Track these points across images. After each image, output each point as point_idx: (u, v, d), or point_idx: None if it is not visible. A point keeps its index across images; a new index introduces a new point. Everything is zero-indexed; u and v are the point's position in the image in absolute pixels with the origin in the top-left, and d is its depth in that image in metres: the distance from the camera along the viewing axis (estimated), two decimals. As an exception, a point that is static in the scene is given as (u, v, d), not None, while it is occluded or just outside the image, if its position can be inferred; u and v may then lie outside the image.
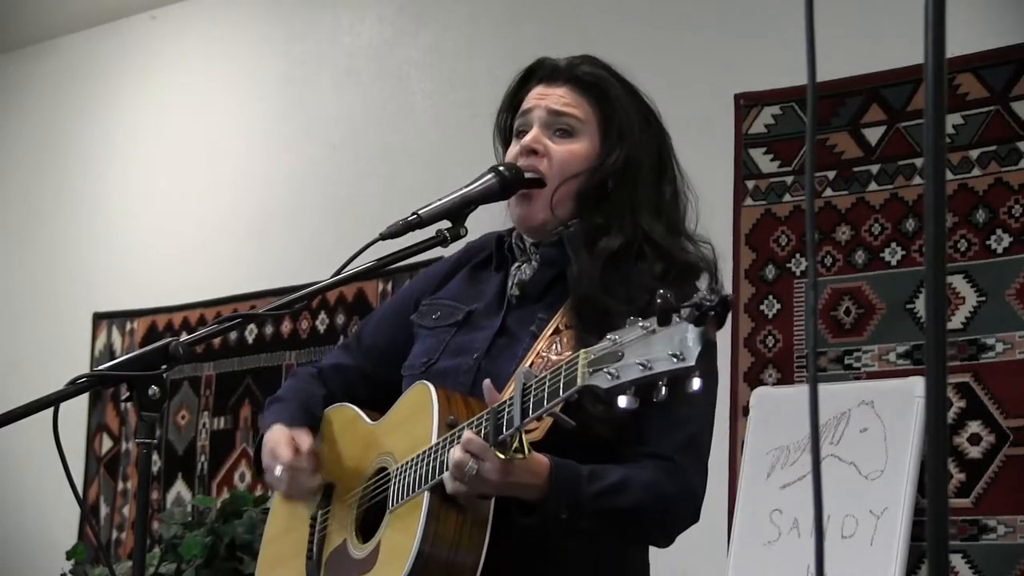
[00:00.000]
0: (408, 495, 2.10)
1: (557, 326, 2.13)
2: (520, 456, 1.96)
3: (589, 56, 2.34)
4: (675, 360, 1.70)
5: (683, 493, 2.12)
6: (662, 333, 1.72)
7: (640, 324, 1.76)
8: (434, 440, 2.08)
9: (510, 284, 2.28)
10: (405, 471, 2.13)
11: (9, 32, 6.26)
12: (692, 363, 1.69)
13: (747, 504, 3.78)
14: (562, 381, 1.85)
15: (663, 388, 1.73)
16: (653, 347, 1.73)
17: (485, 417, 1.99)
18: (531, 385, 1.91)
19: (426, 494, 2.05)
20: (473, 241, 2.41)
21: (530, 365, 2.08)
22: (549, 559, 2.12)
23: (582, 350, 1.83)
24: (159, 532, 4.51)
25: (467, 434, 1.99)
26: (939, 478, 1.31)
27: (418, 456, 2.11)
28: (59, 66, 6.23)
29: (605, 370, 1.77)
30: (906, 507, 3.48)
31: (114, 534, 5.63)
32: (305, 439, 2.29)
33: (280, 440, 2.28)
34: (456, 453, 1.98)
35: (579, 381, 1.80)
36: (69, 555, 4.79)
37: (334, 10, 5.36)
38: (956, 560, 3.57)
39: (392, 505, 2.15)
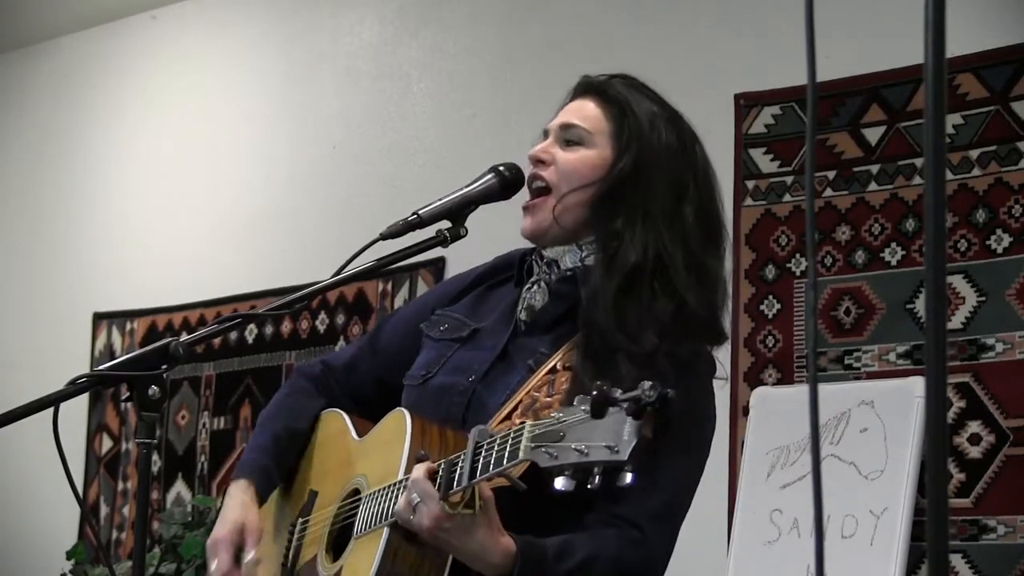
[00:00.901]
0: (371, 527, 2.10)
1: (555, 365, 2.11)
2: (470, 512, 1.94)
3: (627, 75, 2.31)
4: (609, 452, 1.69)
5: (646, 564, 2.09)
6: (601, 421, 1.71)
7: (583, 407, 1.75)
8: (400, 475, 2.08)
9: (519, 307, 2.26)
10: (372, 500, 2.13)
11: (9, 32, 6.26)
12: (624, 458, 1.68)
13: (747, 504, 3.78)
14: (507, 450, 1.84)
15: (597, 476, 1.72)
16: (592, 433, 1.71)
17: (442, 466, 1.98)
18: (483, 445, 1.90)
19: (386, 530, 2.05)
20: (501, 256, 2.40)
21: (519, 402, 2.06)
22: None
23: (528, 422, 1.82)
24: (159, 532, 4.52)
25: (417, 475, 1.98)
26: (939, 478, 1.31)
27: (385, 488, 2.10)
28: (59, 66, 6.23)
29: (545, 449, 1.75)
30: (906, 507, 3.48)
31: (114, 534, 5.63)
32: (252, 542, 2.24)
33: (223, 538, 2.24)
34: (410, 481, 1.99)
35: (520, 454, 1.80)
36: (69, 555, 4.79)
37: (334, 10, 5.36)
38: (956, 560, 3.57)
39: (357, 533, 2.15)
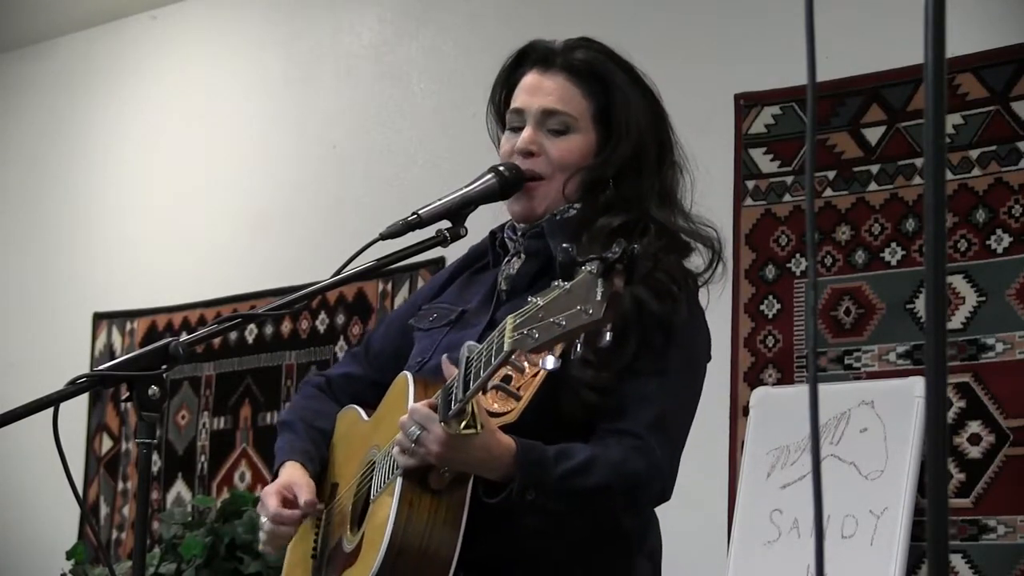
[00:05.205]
0: (386, 482, 2.12)
1: None
2: (472, 431, 1.95)
3: (585, 39, 2.33)
4: (585, 316, 1.72)
5: (650, 470, 2.11)
6: (573, 290, 1.74)
7: (556, 284, 1.77)
8: None
9: (499, 280, 2.29)
10: (385, 460, 2.14)
11: (9, 32, 6.26)
12: (599, 316, 1.71)
13: (747, 504, 3.78)
14: (494, 349, 1.84)
15: (579, 345, 1.76)
16: (568, 304, 1.74)
17: (439, 395, 2.00)
18: (473, 358, 1.91)
19: (399, 479, 2.05)
20: (475, 245, 2.42)
21: None
22: (539, 558, 2.12)
23: (509, 315, 1.82)
24: (159, 532, 4.51)
25: (414, 404, 2.01)
26: (939, 478, 1.31)
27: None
28: (59, 66, 6.23)
29: (526, 332, 1.76)
30: (906, 507, 3.48)
31: (114, 534, 5.63)
32: (304, 492, 2.28)
33: (270, 490, 2.30)
34: (402, 418, 2.02)
35: (505, 346, 1.79)
36: (69, 555, 4.79)
37: (334, 10, 5.36)
38: (956, 560, 3.57)
39: (374, 495, 2.16)
